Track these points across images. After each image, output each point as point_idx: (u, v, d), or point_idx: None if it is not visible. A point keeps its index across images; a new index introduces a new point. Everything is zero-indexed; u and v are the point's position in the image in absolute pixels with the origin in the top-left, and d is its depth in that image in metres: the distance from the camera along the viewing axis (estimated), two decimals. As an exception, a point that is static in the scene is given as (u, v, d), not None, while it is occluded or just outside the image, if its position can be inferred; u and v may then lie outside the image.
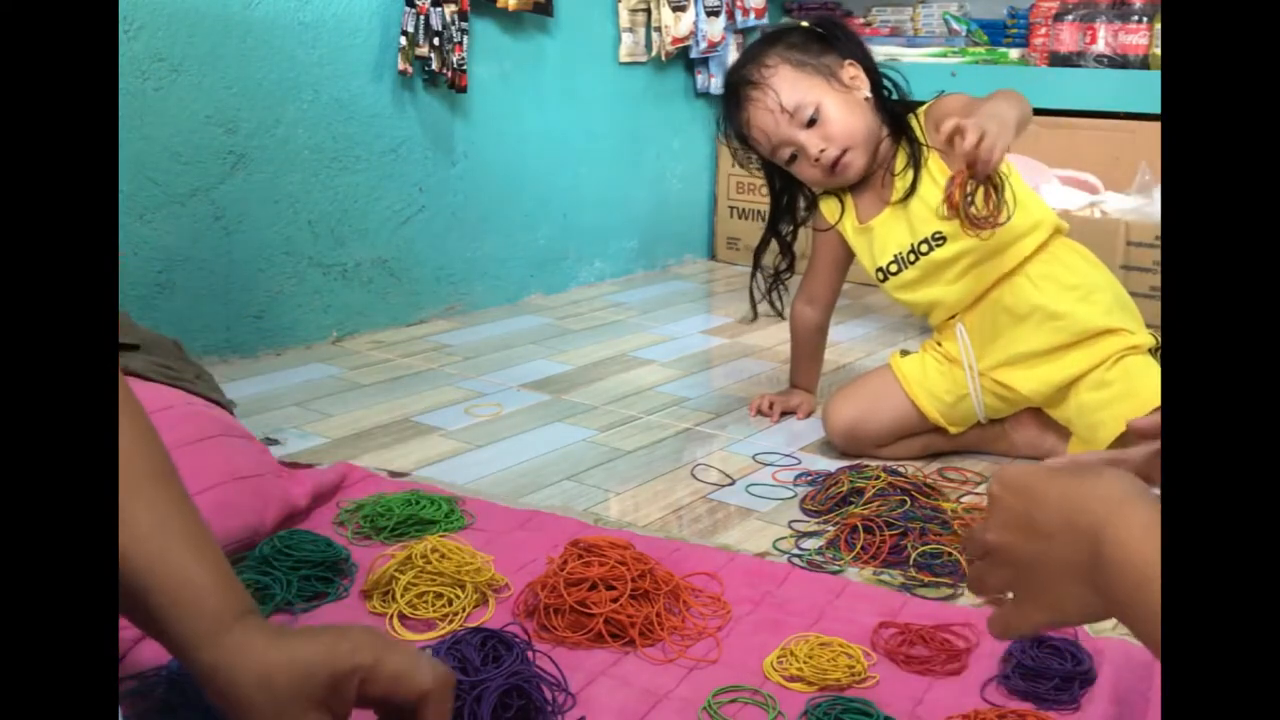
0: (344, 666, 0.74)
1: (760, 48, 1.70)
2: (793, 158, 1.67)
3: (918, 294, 1.68)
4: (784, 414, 1.83)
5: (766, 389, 1.98)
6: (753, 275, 1.81)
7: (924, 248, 1.64)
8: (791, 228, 1.78)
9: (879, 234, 1.68)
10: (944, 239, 1.62)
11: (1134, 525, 0.62)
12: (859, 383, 1.72)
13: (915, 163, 1.65)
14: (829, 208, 1.75)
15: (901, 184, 1.66)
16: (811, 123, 1.63)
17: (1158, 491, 0.61)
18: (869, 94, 1.66)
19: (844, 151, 1.64)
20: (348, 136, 2.20)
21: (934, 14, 3.01)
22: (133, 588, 0.72)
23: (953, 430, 1.67)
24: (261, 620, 0.76)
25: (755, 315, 1.84)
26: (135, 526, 0.72)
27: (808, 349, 1.86)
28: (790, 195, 1.76)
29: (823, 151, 1.63)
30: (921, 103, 1.71)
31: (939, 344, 1.70)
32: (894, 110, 1.69)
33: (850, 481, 1.46)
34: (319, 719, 0.74)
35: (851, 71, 1.66)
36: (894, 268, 1.68)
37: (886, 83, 1.70)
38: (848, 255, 1.77)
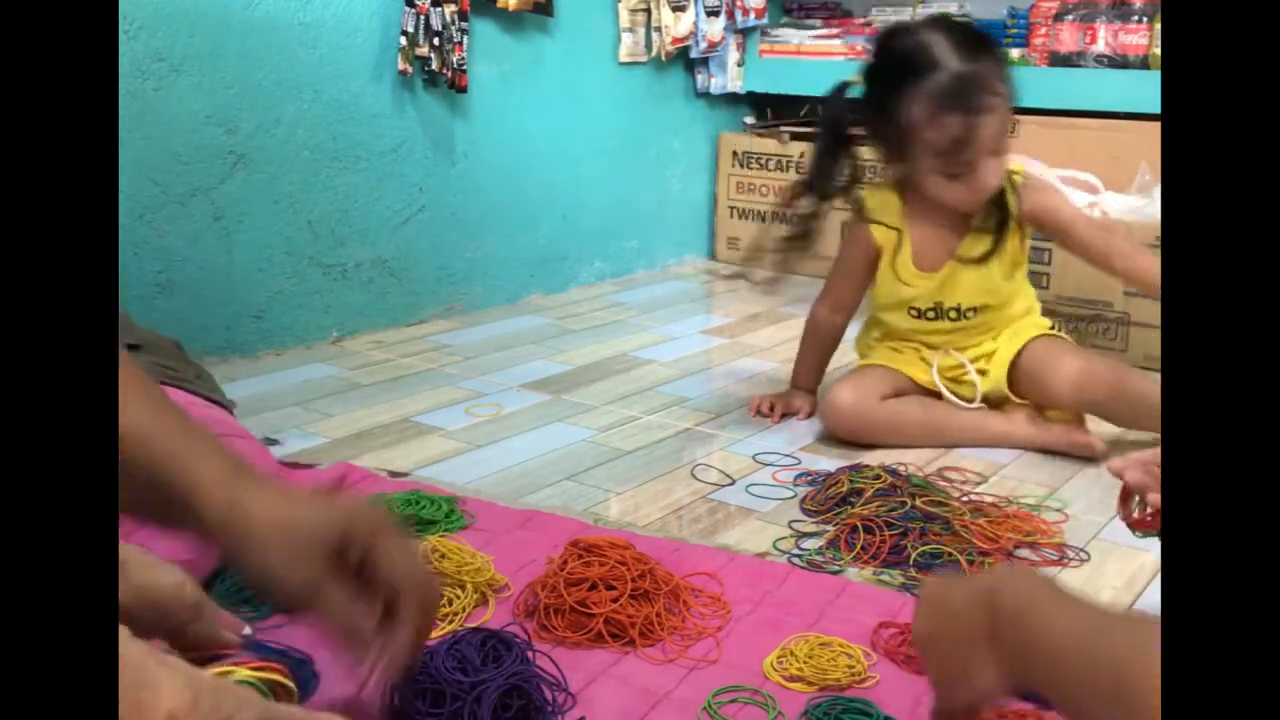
0: (352, 533, 0.75)
1: (987, 50, 1.63)
2: (954, 177, 1.63)
3: (912, 324, 1.77)
4: (784, 415, 1.83)
5: (766, 389, 1.98)
6: (777, 219, 1.78)
7: (952, 314, 1.74)
8: (827, 198, 1.75)
9: (930, 281, 1.74)
10: (976, 311, 1.73)
11: (1020, 594, 0.74)
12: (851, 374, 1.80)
13: (999, 234, 1.70)
14: (882, 235, 1.76)
15: (976, 245, 1.70)
16: (993, 154, 1.62)
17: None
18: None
19: (988, 196, 1.66)
20: (348, 136, 2.20)
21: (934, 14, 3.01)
22: (138, 459, 0.72)
23: (931, 388, 1.76)
24: (265, 477, 0.77)
25: (752, 274, 1.81)
26: (133, 414, 0.74)
27: (821, 352, 1.86)
28: (836, 162, 1.73)
29: (984, 191, 1.64)
30: None
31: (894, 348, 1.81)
32: None
33: (850, 481, 1.46)
34: (323, 572, 0.74)
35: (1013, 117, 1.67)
36: (915, 311, 1.76)
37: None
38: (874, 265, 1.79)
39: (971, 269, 1.72)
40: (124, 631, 0.52)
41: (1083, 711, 0.67)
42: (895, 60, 1.65)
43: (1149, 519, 1.07)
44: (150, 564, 0.74)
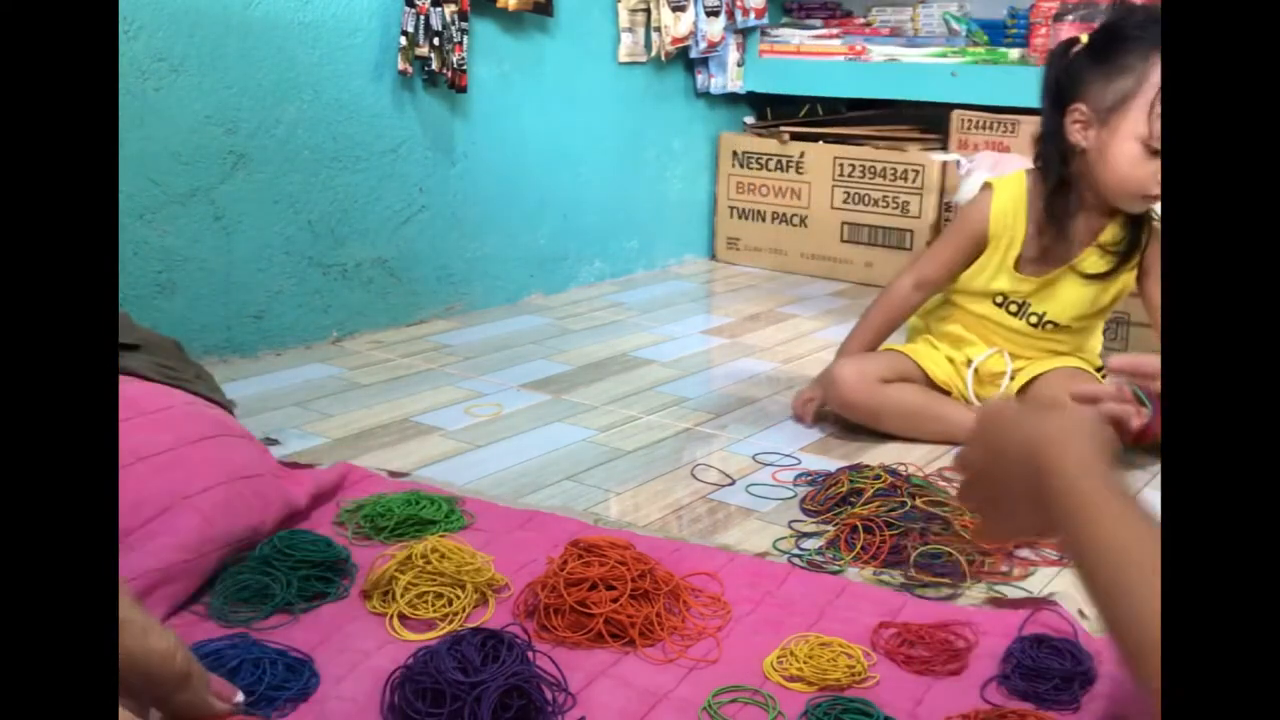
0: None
1: None
2: (1157, 151, 1.56)
3: (988, 310, 1.76)
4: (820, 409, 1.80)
5: (766, 389, 1.99)
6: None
7: (1033, 318, 1.73)
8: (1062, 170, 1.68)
9: (1027, 281, 1.72)
10: (1056, 327, 1.72)
11: (1069, 459, 0.73)
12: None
13: (1124, 259, 1.68)
14: (999, 224, 1.72)
15: (1098, 262, 1.69)
16: None
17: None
18: None
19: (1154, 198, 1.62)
20: (348, 136, 2.20)
21: (934, 14, 3.01)
22: None
23: (945, 387, 1.76)
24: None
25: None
26: None
27: (882, 325, 1.82)
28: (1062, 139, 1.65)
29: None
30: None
31: (934, 344, 1.78)
32: None
33: (850, 481, 1.46)
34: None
35: None
36: (1000, 298, 1.75)
37: None
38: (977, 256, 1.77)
39: (1077, 284, 1.70)
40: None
41: (1099, 610, 0.68)
42: (1143, 17, 1.58)
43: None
44: (144, 628, 0.73)
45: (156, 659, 0.72)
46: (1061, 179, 1.67)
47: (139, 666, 0.70)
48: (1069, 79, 1.63)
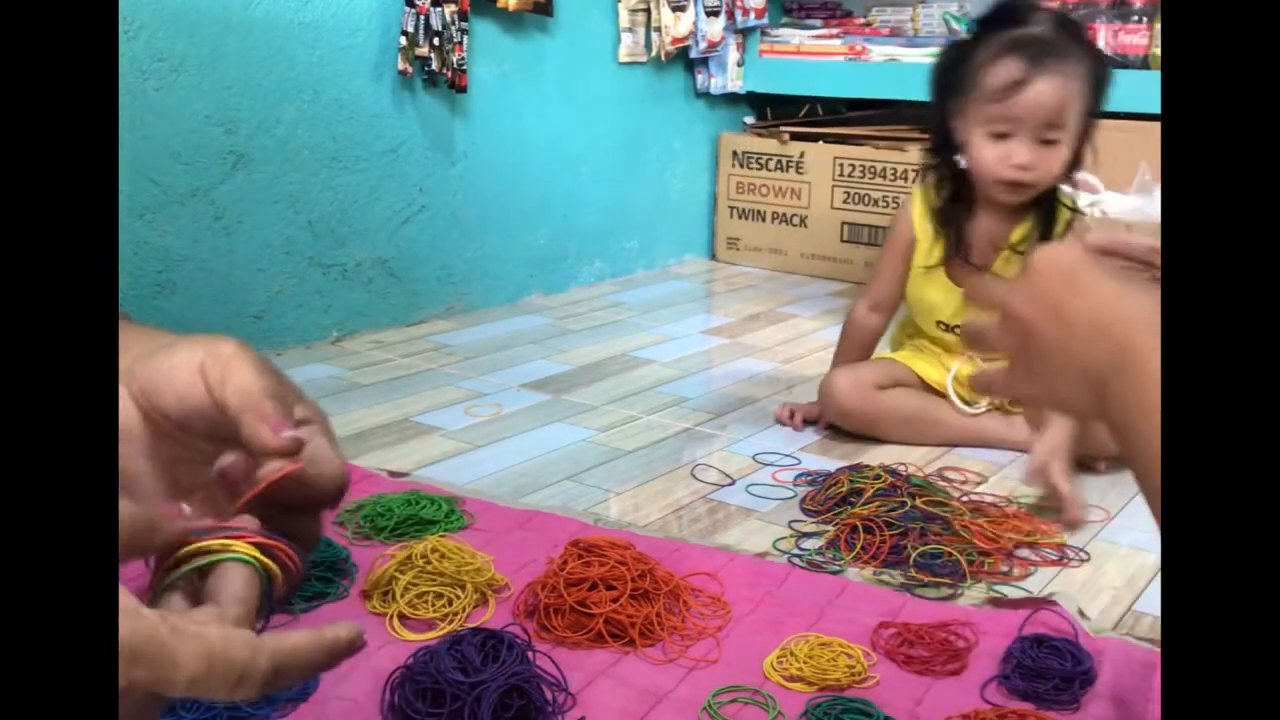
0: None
1: (1080, 40, 1.63)
2: (998, 135, 1.60)
3: (937, 335, 1.78)
4: (806, 422, 1.80)
5: (766, 389, 1.99)
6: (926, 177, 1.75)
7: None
8: (949, 169, 1.71)
9: (955, 293, 1.72)
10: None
11: (1158, 353, 0.60)
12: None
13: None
14: (920, 227, 1.74)
15: (1010, 265, 1.68)
16: (1045, 142, 1.60)
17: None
18: (1069, 158, 1.64)
19: (1030, 186, 1.63)
20: (348, 136, 2.20)
21: (934, 14, 3.01)
22: None
23: (940, 389, 1.75)
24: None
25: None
26: None
27: (857, 352, 1.83)
28: (949, 138, 1.68)
29: (1025, 170, 1.60)
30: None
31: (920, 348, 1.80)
32: (1055, 188, 1.68)
33: (850, 481, 1.46)
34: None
35: (1087, 134, 1.64)
36: (943, 325, 1.75)
37: (1079, 163, 1.66)
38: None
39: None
40: (135, 603, 0.52)
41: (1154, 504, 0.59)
42: (997, 13, 1.64)
43: None
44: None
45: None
46: (955, 184, 1.70)
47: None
48: (945, 81, 1.67)
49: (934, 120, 1.70)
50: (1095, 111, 1.63)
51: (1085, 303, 0.66)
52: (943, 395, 1.75)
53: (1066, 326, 0.66)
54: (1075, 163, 1.65)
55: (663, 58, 2.88)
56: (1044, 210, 1.68)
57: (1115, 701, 1.00)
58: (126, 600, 0.51)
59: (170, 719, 0.92)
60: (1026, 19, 1.60)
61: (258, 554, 0.58)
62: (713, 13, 2.94)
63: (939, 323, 1.75)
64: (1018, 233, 1.69)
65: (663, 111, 2.97)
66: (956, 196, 1.71)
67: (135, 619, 0.50)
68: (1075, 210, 1.71)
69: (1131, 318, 0.63)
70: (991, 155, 1.61)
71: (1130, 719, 0.99)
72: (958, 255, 1.71)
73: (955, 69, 1.64)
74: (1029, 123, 1.58)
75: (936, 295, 1.74)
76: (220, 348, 0.59)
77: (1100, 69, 1.64)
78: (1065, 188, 1.69)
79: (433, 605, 1.14)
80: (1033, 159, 1.60)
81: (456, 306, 2.48)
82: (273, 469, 0.59)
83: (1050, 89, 1.57)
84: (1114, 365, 0.63)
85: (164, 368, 0.59)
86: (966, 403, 1.73)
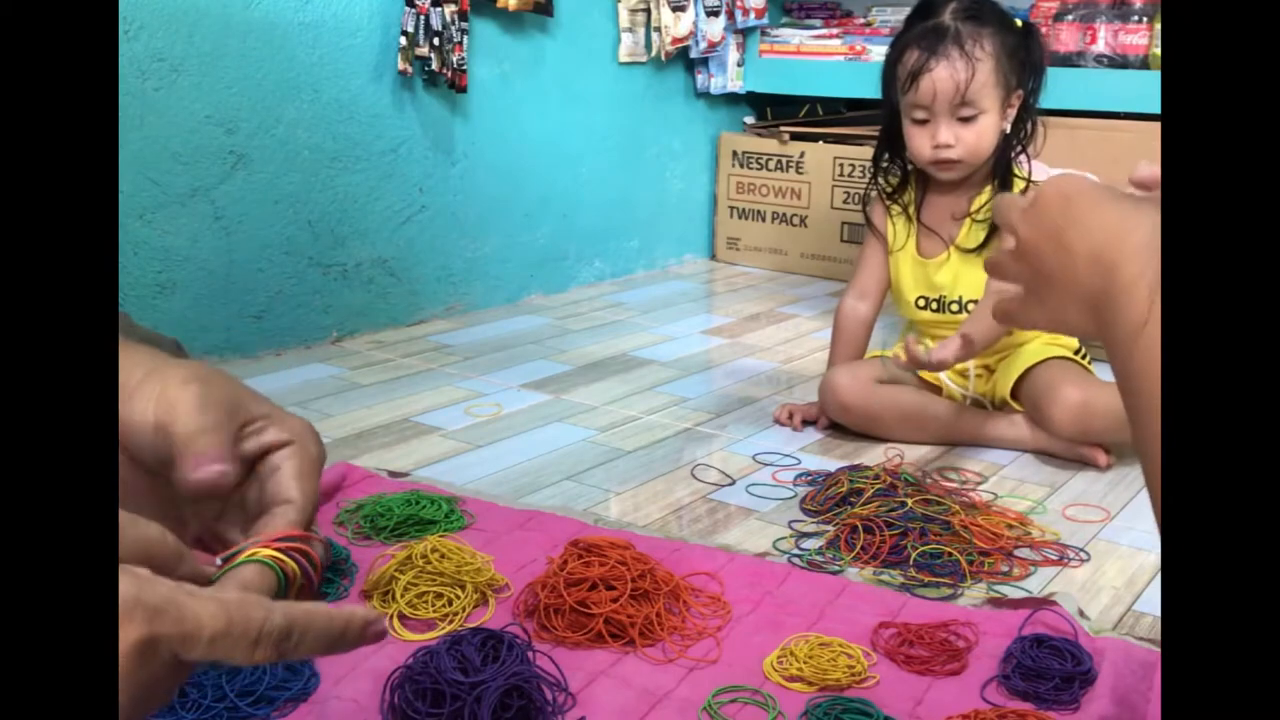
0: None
1: (986, 21, 1.68)
2: (919, 122, 1.69)
3: (918, 316, 1.80)
4: (805, 423, 1.81)
5: (766, 389, 1.98)
6: (872, 180, 1.84)
7: (954, 307, 1.76)
8: (894, 157, 1.81)
9: (931, 270, 1.77)
10: (976, 303, 1.72)
11: (1150, 283, 0.60)
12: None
13: (995, 228, 1.71)
14: (896, 228, 1.81)
15: (973, 236, 1.74)
16: (963, 120, 1.67)
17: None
18: (1008, 129, 1.71)
19: (958, 161, 1.69)
20: (348, 136, 2.20)
21: (934, 14, 3.01)
22: None
23: (938, 384, 1.78)
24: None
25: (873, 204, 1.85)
26: None
27: (853, 344, 1.84)
28: (896, 130, 1.76)
29: (947, 148, 1.68)
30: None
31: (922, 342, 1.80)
32: (1008, 157, 1.74)
33: (850, 481, 1.46)
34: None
35: (1015, 103, 1.71)
36: (921, 301, 1.78)
37: (1025, 130, 1.74)
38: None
39: (967, 260, 1.74)
40: (148, 573, 0.52)
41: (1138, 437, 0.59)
42: (914, 10, 1.73)
43: None
44: (132, 520, 0.67)
45: (154, 540, 0.60)
46: (903, 170, 1.80)
47: (141, 551, 0.60)
48: (884, 79, 1.76)
49: (882, 116, 1.79)
50: (1021, 82, 1.70)
51: (1083, 229, 0.66)
52: (939, 392, 1.76)
53: (1068, 253, 0.66)
54: (1019, 130, 1.72)
55: (663, 58, 2.88)
56: (997, 178, 1.74)
57: (1115, 701, 1.00)
58: (142, 571, 0.52)
59: (170, 719, 0.92)
60: (937, 10, 1.68)
61: (278, 554, 0.60)
62: (713, 13, 2.94)
63: (918, 299, 1.78)
64: (977, 202, 1.75)
65: (662, 111, 2.97)
66: (904, 182, 1.80)
67: (154, 583, 0.51)
68: (1030, 183, 1.73)
69: (1124, 244, 0.63)
70: (917, 139, 1.70)
71: (1130, 719, 0.99)
72: (919, 230, 1.79)
73: (888, 68, 1.73)
74: (940, 105, 1.66)
75: (908, 274, 1.79)
76: (167, 388, 0.60)
77: (1015, 41, 1.70)
78: (1021, 160, 1.75)
79: (433, 605, 1.14)
80: (951, 137, 1.67)
81: (456, 306, 2.48)
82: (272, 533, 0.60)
83: (948, 73, 1.65)
84: (1103, 292, 0.63)
85: (132, 416, 0.60)
86: (959, 386, 1.76)
